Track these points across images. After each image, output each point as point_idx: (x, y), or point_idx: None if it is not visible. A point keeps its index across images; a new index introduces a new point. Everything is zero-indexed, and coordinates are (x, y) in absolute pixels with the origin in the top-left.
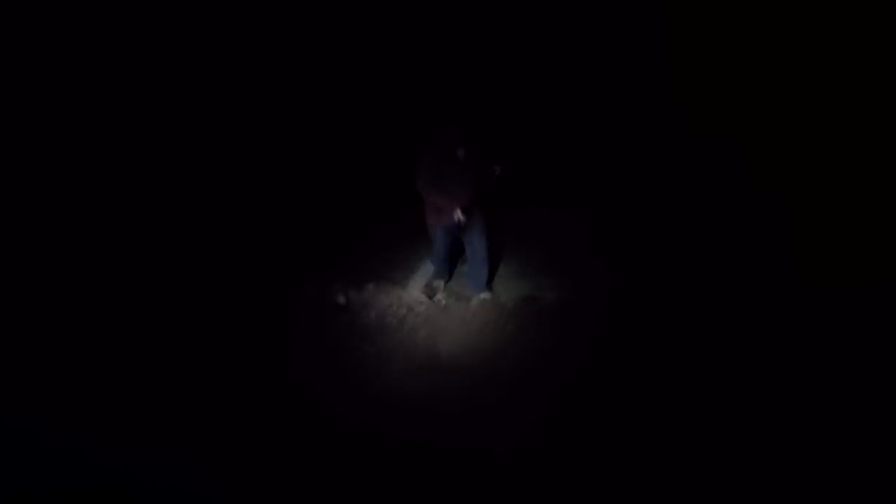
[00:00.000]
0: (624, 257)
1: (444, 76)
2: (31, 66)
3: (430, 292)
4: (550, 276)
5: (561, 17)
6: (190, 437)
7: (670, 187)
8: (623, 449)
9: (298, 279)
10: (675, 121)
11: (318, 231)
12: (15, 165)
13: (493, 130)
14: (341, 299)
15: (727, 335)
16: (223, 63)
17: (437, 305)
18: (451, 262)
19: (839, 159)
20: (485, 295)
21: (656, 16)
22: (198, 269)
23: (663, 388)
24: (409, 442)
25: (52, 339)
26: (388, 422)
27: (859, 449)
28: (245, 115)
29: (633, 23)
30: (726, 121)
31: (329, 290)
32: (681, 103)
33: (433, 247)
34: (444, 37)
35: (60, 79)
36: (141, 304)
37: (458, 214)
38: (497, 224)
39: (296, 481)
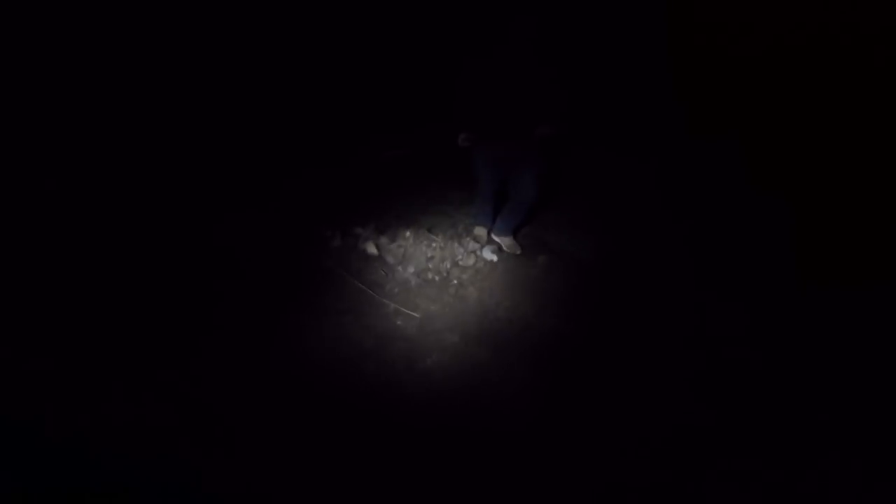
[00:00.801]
0: (622, 257)
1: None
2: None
3: (478, 242)
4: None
5: (561, 17)
6: (190, 437)
7: (670, 187)
8: (625, 449)
9: (318, 223)
10: (675, 121)
11: (342, 169)
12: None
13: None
14: (371, 249)
15: (727, 335)
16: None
17: (486, 259)
18: (495, 205)
19: (839, 159)
20: (508, 241)
21: (656, 17)
22: (205, 240)
23: (663, 391)
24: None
25: (51, 339)
26: (419, 429)
27: (859, 449)
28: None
29: (634, 24)
30: (726, 121)
31: (355, 236)
32: (681, 103)
33: (476, 184)
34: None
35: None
36: (142, 296)
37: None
38: (553, 169)
39: (300, 480)
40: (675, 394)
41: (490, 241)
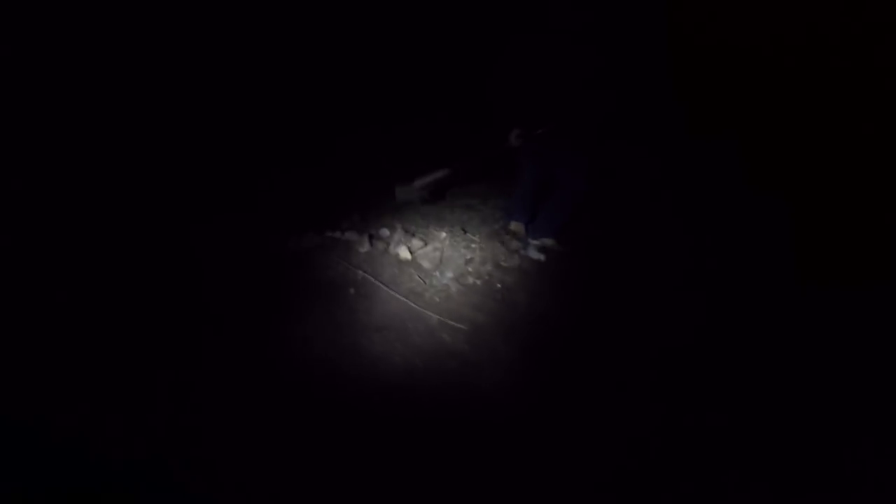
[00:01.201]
0: (622, 257)
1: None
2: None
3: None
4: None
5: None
6: (189, 436)
7: (670, 187)
8: (625, 450)
9: (339, 226)
10: (674, 120)
11: (361, 162)
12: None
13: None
14: (405, 253)
15: (726, 335)
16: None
17: (533, 259)
18: (534, 201)
19: (838, 159)
20: (550, 242)
21: (655, 17)
22: (207, 246)
23: (662, 392)
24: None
25: (51, 338)
26: (484, 454)
27: (859, 449)
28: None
29: (633, 23)
30: (726, 121)
31: (384, 240)
32: (680, 103)
33: (518, 178)
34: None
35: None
36: (141, 298)
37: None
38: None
39: (300, 481)
40: (677, 394)
41: (528, 240)
